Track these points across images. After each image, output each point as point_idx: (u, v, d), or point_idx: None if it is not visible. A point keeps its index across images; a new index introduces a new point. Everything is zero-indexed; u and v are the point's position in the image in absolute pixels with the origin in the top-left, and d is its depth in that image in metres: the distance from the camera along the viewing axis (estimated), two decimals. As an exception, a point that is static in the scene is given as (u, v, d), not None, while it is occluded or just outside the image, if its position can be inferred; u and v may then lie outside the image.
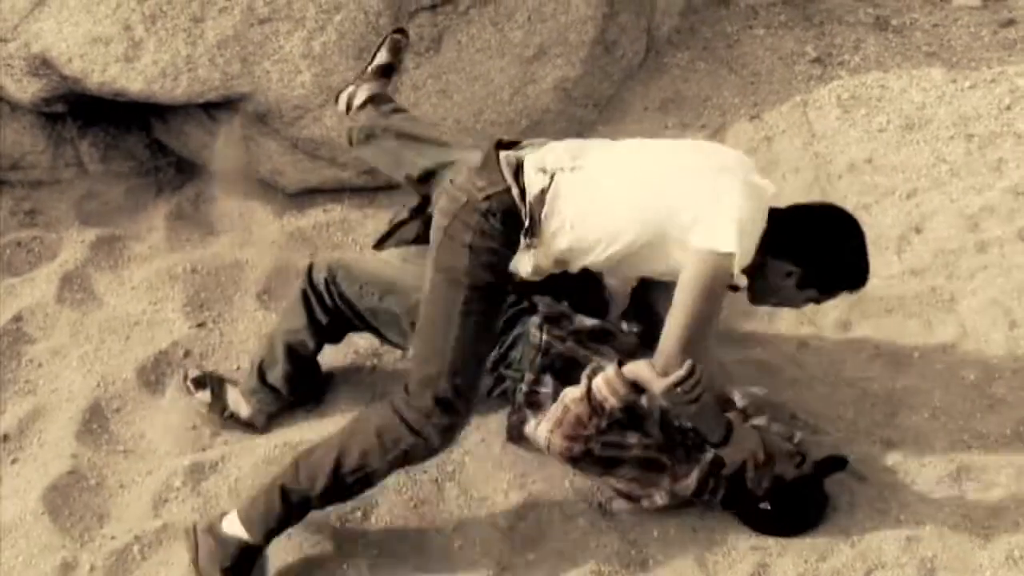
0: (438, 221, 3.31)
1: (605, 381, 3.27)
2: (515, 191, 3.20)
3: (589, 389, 3.29)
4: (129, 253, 4.36)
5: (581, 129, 4.94)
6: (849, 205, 4.64)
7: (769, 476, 3.42)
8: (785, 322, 4.26)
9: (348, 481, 3.26)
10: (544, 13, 4.79)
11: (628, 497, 3.50)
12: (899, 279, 4.42)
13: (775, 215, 3.21)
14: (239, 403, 3.75)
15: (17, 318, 4.06)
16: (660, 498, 3.47)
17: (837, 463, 3.54)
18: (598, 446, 3.36)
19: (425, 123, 3.86)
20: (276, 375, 3.72)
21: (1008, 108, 5.17)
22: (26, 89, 4.41)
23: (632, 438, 3.42)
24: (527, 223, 3.21)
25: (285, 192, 4.67)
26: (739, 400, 3.66)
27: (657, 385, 3.14)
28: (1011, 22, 5.74)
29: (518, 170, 3.24)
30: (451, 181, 3.35)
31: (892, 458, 3.77)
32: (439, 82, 4.64)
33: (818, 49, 5.51)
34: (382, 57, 3.94)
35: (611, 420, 3.33)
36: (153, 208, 4.58)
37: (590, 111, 4.99)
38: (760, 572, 3.43)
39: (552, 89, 4.83)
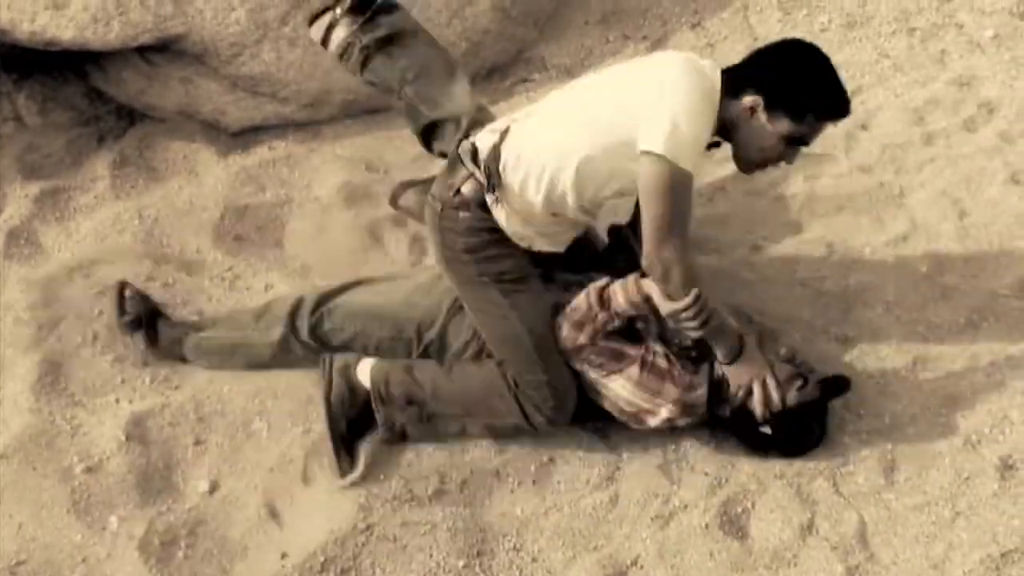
0: (431, 237, 3.48)
1: (621, 285, 3.38)
2: (476, 172, 3.32)
3: (604, 287, 3.40)
4: (75, 204, 4.31)
5: (522, 48, 4.90)
6: (794, 106, 4.67)
7: (773, 400, 3.38)
8: (737, 226, 4.27)
9: (468, 430, 3.55)
10: (478, -68, 4.74)
11: (636, 417, 3.49)
12: (848, 176, 4.44)
13: (728, 70, 3.20)
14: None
15: (-35, 277, 4.02)
16: (667, 410, 3.43)
17: (841, 384, 3.51)
18: (599, 340, 3.40)
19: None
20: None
21: (948, 0, 5.17)
22: (-46, 45, 4.33)
23: (632, 350, 3.43)
24: (486, 181, 3.30)
25: (228, 132, 4.63)
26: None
27: (664, 307, 3.26)
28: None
29: (475, 150, 3.35)
30: (431, 196, 3.46)
31: (849, 354, 3.81)
32: (376, 10, 4.58)
33: (756, -48, 5.48)
34: None
35: (614, 323, 3.40)
36: (96, 157, 4.52)
37: (530, 29, 4.94)
38: (723, 474, 3.48)
39: (490, 9, 4.78)
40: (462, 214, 3.36)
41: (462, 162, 3.36)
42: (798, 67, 3.19)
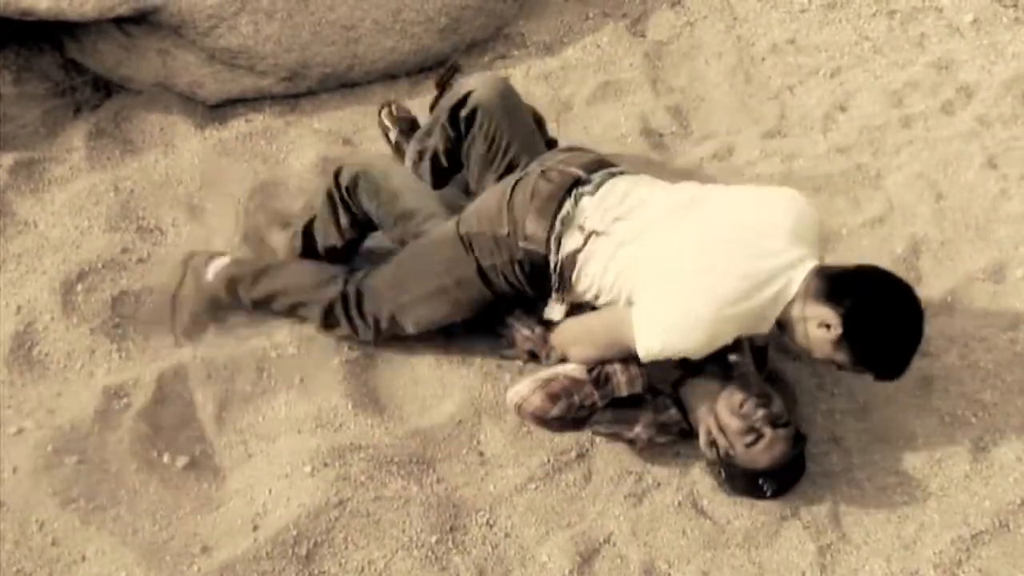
0: (482, 208, 3.43)
1: (623, 369, 3.37)
2: (552, 257, 3.30)
3: (600, 370, 3.38)
4: (49, 175, 4.27)
5: (502, 24, 4.88)
6: (773, 87, 4.70)
7: (716, 449, 3.33)
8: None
9: (279, 307, 3.74)
10: (459, -93, 4.71)
11: (614, 437, 3.50)
12: (825, 157, 4.44)
13: (832, 272, 3.11)
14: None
15: (-62, 248, 3.99)
16: (644, 432, 3.41)
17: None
18: (572, 410, 3.36)
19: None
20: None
21: (929, -17, 5.19)
22: (-72, 13, 4.28)
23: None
24: (556, 280, 3.34)
25: (206, 104, 4.59)
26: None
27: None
28: None
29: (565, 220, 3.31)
30: (541, 169, 3.42)
31: (824, 335, 3.81)
32: (355, -18, 4.56)
33: (737, -68, 5.47)
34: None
35: (597, 402, 3.37)
36: (72, 128, 4.48)
37: (510, 5, 4.92)
38: (696, 452, 3.48)
39: (470, -15, 4.76)
40: (511, 268, 3.37)
41: (550, 228, 3.30)
42: (893, 328, 3.12)
